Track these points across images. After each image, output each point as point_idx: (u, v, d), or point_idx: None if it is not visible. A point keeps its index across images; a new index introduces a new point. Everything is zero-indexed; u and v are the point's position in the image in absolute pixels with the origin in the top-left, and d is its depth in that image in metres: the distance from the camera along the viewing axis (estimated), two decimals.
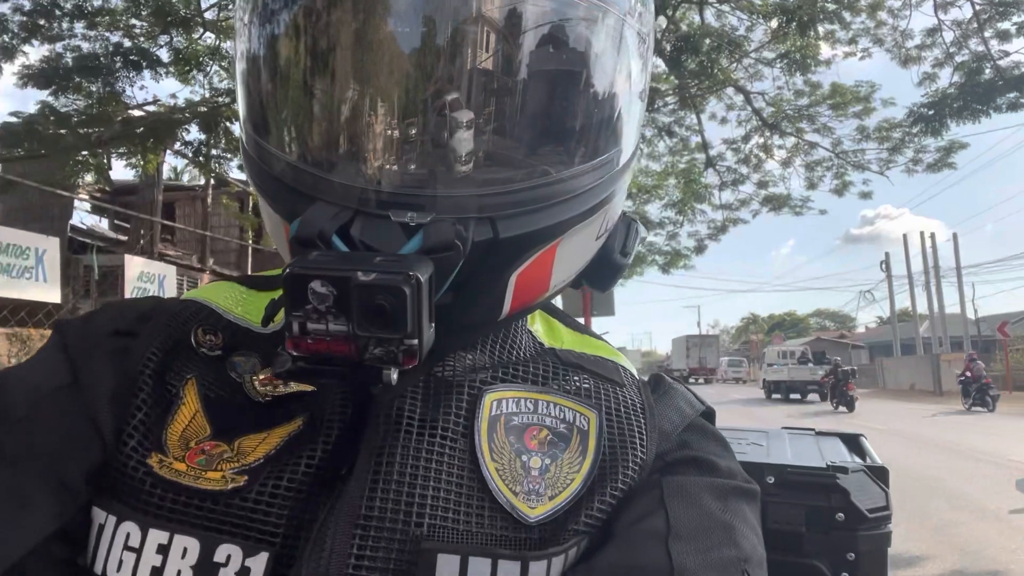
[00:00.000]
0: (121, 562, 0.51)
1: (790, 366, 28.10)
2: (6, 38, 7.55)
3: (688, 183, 11.42)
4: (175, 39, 7.91)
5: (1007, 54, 8.22)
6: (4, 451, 0.52)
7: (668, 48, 7.71)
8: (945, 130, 8.22)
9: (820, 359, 27.29)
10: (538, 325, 0.71)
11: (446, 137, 0.53)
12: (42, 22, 7.59)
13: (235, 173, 11.44)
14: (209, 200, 15.15)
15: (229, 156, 8.68)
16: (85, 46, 7.91)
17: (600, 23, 0.57)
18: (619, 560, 0.52)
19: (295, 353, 0.48)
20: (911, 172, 10.57)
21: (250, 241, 15.95)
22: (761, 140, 11.56)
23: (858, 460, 1.18)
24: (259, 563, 0.50)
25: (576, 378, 0.63)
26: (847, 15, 8.55)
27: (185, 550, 0.50)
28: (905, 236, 39.56)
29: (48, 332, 0.64)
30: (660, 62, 8.52)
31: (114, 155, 9.21)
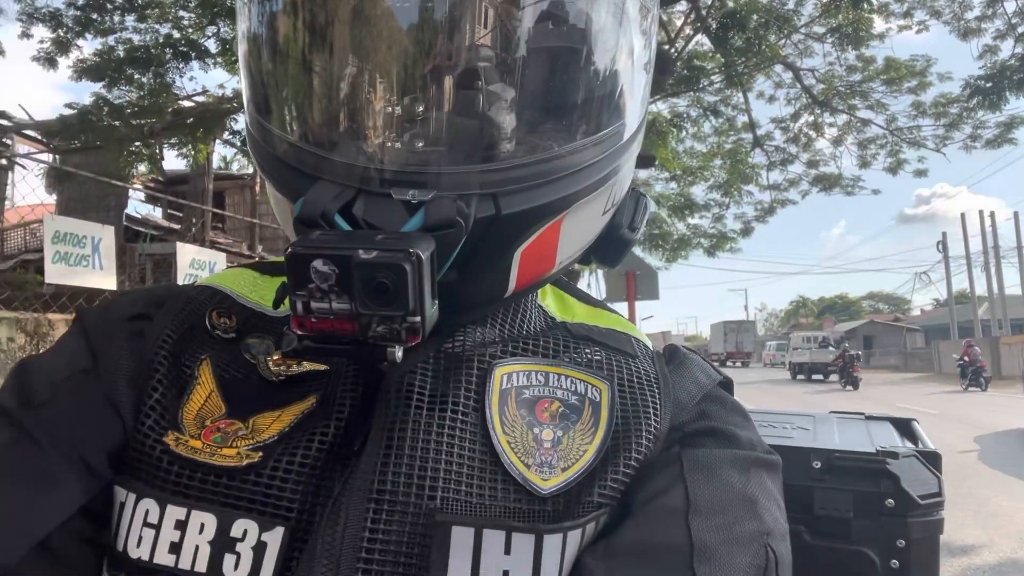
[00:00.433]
0: (141, 538, 0.52)
1: (812, 349, 31.21)
2: (61, 32, 7.78)
3: (735, 164, 11.21)
4: (222, 29, 8.06)
5: None
6: (29, 433, 0.53)
7: (714, 25, 7.55)
8: (1004, 103, 7.88)
9: (839, 344, 29.23)
10: (550, 300, 0.70)
11: (447, 114, 0.53)
12: (95, 16, 7.80)
13: None
14: (258, 188, 15.43)
15: None
16: (136, 38, 8.12)
17: None
18: (638, 538, 0.51)
19: (299, 332, 0.48)
20: (969, 149, 10.23)
21: None
22: (811, 118, 11.29)
23: (909, 445, 1.14)
24: (275, 537, 0.51)
25: (587, 350, 0.63)
26: None
27: (202, 526, 0.51)
28: (963, 215, 38.28)
29: None
30: (705, 40, 8.36)
31: (166, 145, 9.46)
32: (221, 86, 9.28)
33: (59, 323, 5.63)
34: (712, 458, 0.57)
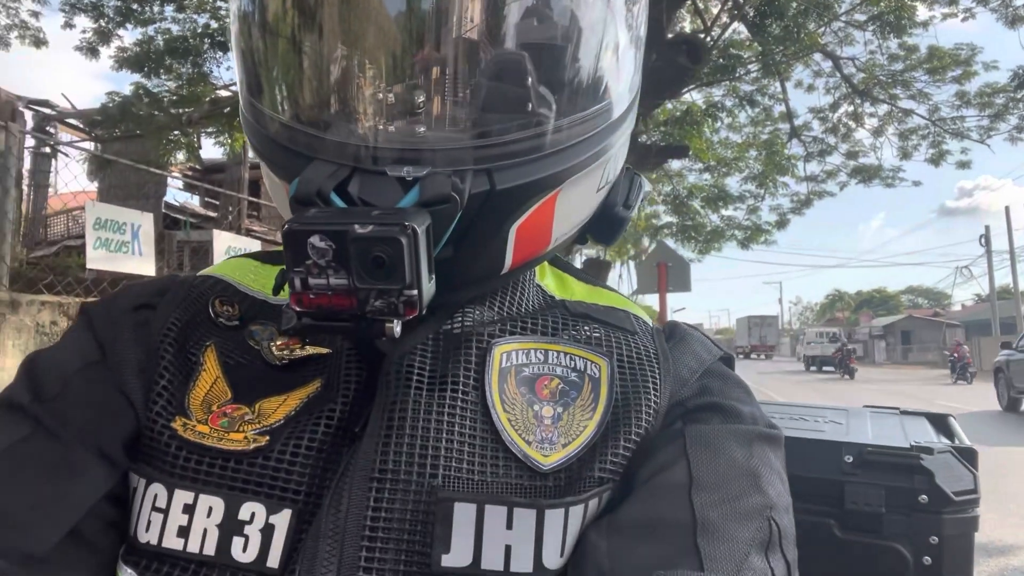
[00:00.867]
0: (149, 523, 0.52)
1: (823, 344, 35.93)
2: (102, 22, 7.93)
3: (771, 155, 11.03)
4: None
5: None
6: (46, 427, 0.54)
7: (751, 13, 7.42)
8: None
9: (850, 339, 34.75)
10: (548, 279, 0.71)
11: (440, 90, 0.53)
12: (135, 6, 7.93)
13: None
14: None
15: None
16: (175, 28, 8.24)
17: None
18: (641, 513, 0.52)
19: (298, 309, 0.48)
20: (1015, 140, 9.92)
21: None
22: (851, 108, 11.05)
23: (945, 441, 1.12)
24: (283, 520, 0.51)
25: (586, 327, 0.63)
26: None
27: (210, 509, 0.51)
28: (1007, 208, 37.20)
29: None
30: (742, 28, 8.23)
31: (203, 134, 9.60)
32: None
33: None
34: (715, 433, 0.57)
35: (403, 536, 0.50)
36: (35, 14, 9.07)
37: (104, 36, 8.06)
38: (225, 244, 7.40)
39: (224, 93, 8.86)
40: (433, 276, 0.50)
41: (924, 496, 0.97)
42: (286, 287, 0.48)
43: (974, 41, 9.59)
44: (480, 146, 0.53)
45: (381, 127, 0.53)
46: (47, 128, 11.82)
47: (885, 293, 77.05)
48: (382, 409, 0.54)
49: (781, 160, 11.06)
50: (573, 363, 0.60)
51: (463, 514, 0.51)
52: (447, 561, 0.50)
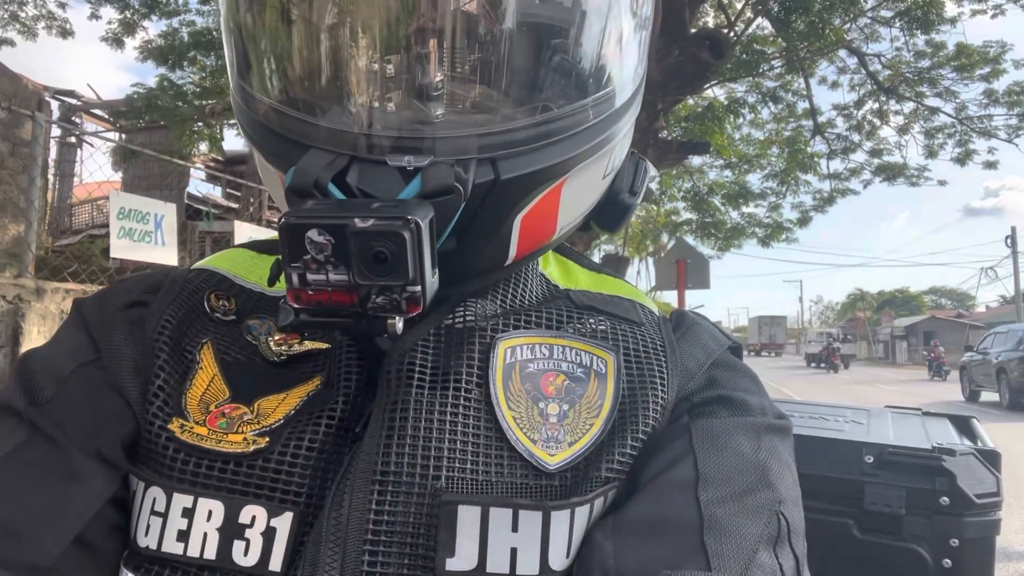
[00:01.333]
0: (148, 527, 0.51)
1: (823, 343, 39.24)
2: (128, 14, 8.01)
3: (793, 152, 10.92)
4: None
5: None
6: (43, 431, 0.53)
7: (776, 8, 7.35)
8: None
9: (846, 339, 39.74)
10: (552, 267, 0.69)
11: (441, 76, 0.51)
12: None
13: None
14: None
15: None
16: (199, 21, 8.30)
17: None
18: (647, 512, 0.51)
19: (296, 305, 0.47)
20: None
21: None
22: (876, 105, 10.91)
23: (968, 443, 1.10)
24: (284, 523, 0.50)
25: (591, 320, 0.62)
26: None
27: (210, 513, 0.50)
28: None
29: None
30: (766, 24, 8.14)
31: (226, 125, 9.68)
32: None
33: None
34: (722, 427, 0.55)
35: (406, 539, 0.49)
36: (62, 4, 9.17)
37: (129, 27, 8.14)
38: (246, 235, 7.45)
39: None
40: (436, 270, 0.48)
41: (945, 498, 0.96)
42: (283, 278, 0.47)
43: (1004, 38, 9.44)
44: (484, 134, 0.51)
45: (381, 114, 0.51)
46: (72, 118, 11.98)
47: (907, 293, 76.02)
48: (383, 408, 0.52)
49: (804, 157, 10.95)
50: (579, 358, 0.58)
51: (467, 517, 0.49)
52: (452, 565, 0.48)
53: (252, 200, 13.04)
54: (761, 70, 8.57)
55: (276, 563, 0.49)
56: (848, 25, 8.56)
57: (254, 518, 0.50)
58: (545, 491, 0.51)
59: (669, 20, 6.01)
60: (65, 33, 9.33)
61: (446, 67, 0.51)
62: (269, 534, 0.50)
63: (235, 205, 14.23)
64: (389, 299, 0.46)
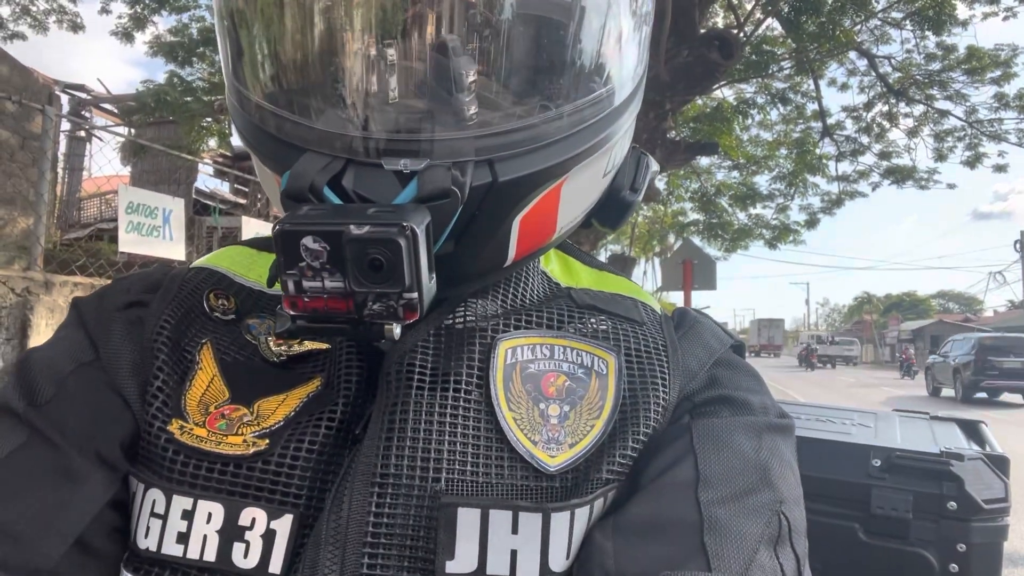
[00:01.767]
0: (148, 529, 0.51)
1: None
2: (138, 8, 8.04)
3: (802, 153, 10.88)
4: None
5: None
6: (42, 433, 0.53)
7: (786, 9, 7.32)
8: None
9: (834, 341, 45.34)
10: (554, 265, 0.68)
11: (437, 78, 0.50)
12: None
13: None
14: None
15: None
16: (209, 17, 8.32)
17: None
18: (647, 513, 0.50)
19: (292, 312, 0.46)
20: None
21: None
22: (885, 108, 10.86)
23: (976, 448, 1.10)
24: (284, 525, 0.50)
25: (592, 320, 0.61)
26: None
27: (210, 515, 0.50)
28: None
29: None
30: (776, 24, 8.12)
31: None
32: None
33: None
34: (723, 427, 0.55)
35: (406, 542, 0.49)
36: None
37: (140, 21, 8.17)
38: (253, 230, 7.47)
39: None
40: (434, 276, 0.47)
41: (953, 503, 0.95)
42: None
43: (1016, 41, 9.38)
44: (480, 136, 0.50)
45: (376, 117, 0.50)
46: (82, 112, 12.03)
47: (915, 297, 75.71)
48: (383, 410, 0.52)
49: (812, 159, 10.91)
50: (580, 359, 0.58)
51: (467, 520, 0.49)
52: (451, 567, 0.48)
53: (260, 196, 13.08)
54: (770, 71, 8.54)
55: (276, 565, 0.49)
56: (858, 27, 8.52)
57: (254, 520, 0.50)
58: (545, 493, 0.51)
59: (679, 20, 5.99)
60: (76, 27, 9.37)
61: (442, 69, 0.50)
62: (269, 536, 0.50)
63: (243, 201, 14.27)
64: (386, 306, 0.45)
